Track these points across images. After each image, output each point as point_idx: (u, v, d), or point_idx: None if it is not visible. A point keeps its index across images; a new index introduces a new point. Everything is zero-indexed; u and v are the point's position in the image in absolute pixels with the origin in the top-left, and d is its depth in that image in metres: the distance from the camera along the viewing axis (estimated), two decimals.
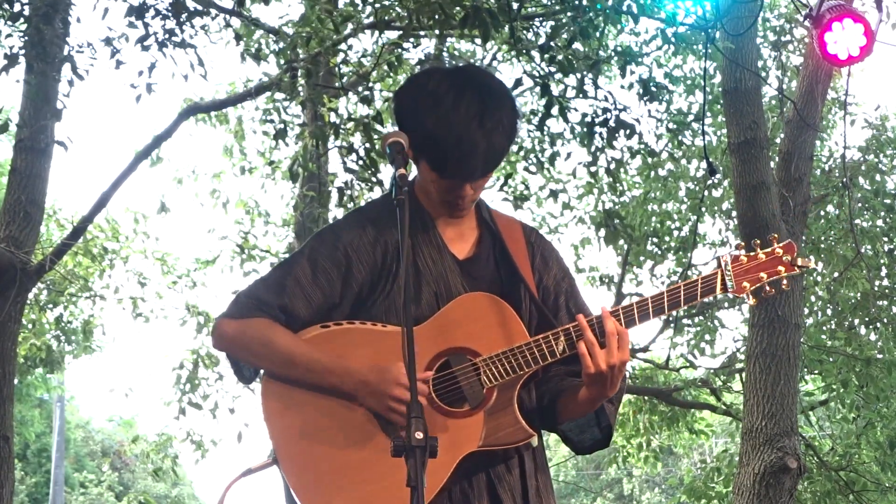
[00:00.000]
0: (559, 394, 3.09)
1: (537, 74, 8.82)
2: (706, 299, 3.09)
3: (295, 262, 3.06)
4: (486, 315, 2.98)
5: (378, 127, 8.72)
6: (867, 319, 12.65)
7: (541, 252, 3.17)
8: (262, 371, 3.08)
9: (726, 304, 13.50)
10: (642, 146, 10.03)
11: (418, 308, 2.98)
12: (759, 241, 3.04)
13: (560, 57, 8.41)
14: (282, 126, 9.63)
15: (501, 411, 2.94)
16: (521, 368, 2.94)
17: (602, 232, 11.53)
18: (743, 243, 3.06)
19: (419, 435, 2.51)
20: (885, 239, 12.91)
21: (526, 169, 11.67)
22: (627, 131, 9.21)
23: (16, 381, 9.12)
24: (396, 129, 2.99)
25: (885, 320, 12.57)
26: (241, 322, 3.01)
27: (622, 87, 9.63)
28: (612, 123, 9.09)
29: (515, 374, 2.94)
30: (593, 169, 10.47)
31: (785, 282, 3.03)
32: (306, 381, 2.96)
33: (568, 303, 3.14)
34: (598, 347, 2.90)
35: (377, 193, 11.10)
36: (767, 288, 3.02)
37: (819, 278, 13.06)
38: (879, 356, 11.94)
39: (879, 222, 13.02)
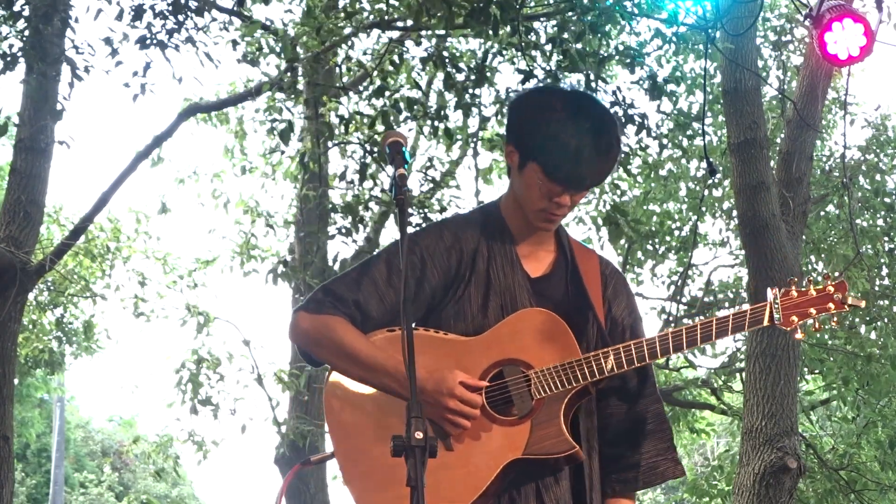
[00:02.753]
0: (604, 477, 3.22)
1: (544, 71, 8.79)
2: (756, 328, 3.17)
3: (373, 263, 3.23)
4: (542, 330, 3.12)
5: (394, 119, 8.73)
6: (867, 318, 12.64)
7: (613, 284, 3.31)
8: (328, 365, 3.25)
9: (726, 304, 13.51)
10: (653, 138, 9.98)
11: (485, 318, 3.14)
12: (811, 279, 3.14)
13: (570, 52, 8.36)
14: (286, 124, 9.63)
15: (547, 422, 3.06)
16: (570, 383, 3.06)
17: (604, 231, 11.49)
18: (795, 279, 3.15)
19: (419, 435, 2.56)
20: (886, 238, 12.91)
21: None
22: (637, 125, 9.19)
23: (16, 381, 9.12)
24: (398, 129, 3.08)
25: (886, 319, 12.56)
26: (316, 317, 3.17)
27: (627, 82, 9.62)
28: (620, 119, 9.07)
29: (564, 388, 3.07)
30: None
31: (834, 319, 3.14)
32: (366, 380, 3.14)
33: (634, 334, 3.24)
34: None
35: (377, 193, 11.11)
36: (817, 324, 3.11)
37: (819, 279, 13.00)
38: (879, 353, 11.94)
39: (880, 221, 13.02)
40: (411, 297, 2.93)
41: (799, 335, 3.10)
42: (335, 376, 3.21)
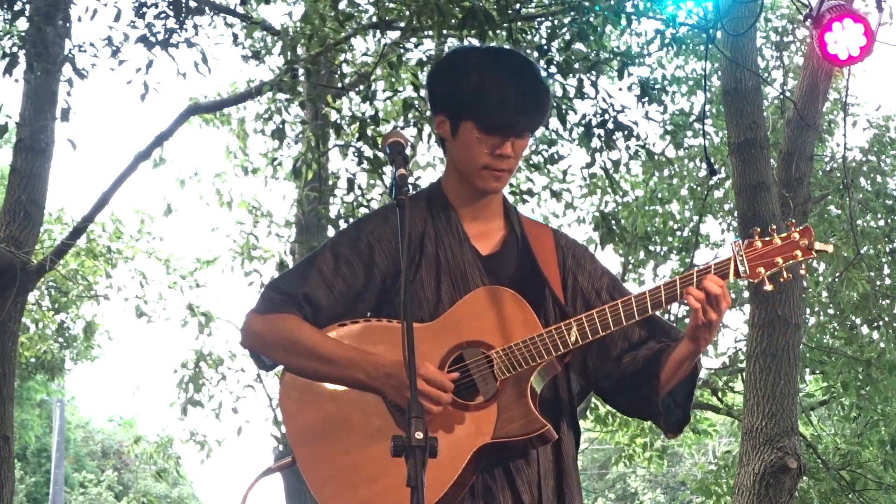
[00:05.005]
0: (656, 365, 3.08)
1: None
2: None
3: (319, 254, 3.12)
4: (499, 308, 2.99)
5: (376, 127, 8.74)
6: (868, 319, 12.65)
7: (572, 253, 3.18)
8: (282, 366, 3.12)
9: None
10: (641, 146, 10.00)
11: (439, 301, 3.03)
12: (774, 227, 2.98)
13: (560, 58, 8.40)
14: (281, 125, 9.63)
15: (514, 403, 2.94)
16: (534, 360, 2.94)
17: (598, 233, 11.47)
18: (758, 229, 3.00)
19: (419, 435, 2.52)
20: (886, 239, 12.91)
21: (533, 166, 11.54)
22: (625, 133, 9.21)
23: (16, 383, 9.12)
24: (392, 128, 3.05)
25: (887, 320, 12.57)
26: (268, 318, 3.06)
27: (621, 88, 9.60)
28: (610, 125, 9.08)
29: (528, 366, 2.95)
30: (591, 170, 10.46)
31: (803, 267, 2.98)
32: (328, 376, 3.00)
33: (613, 294, 3.12)
34: (706, 302, 2.89)
35: (378, 192, 11.12)
36: (785, 273, 2.96)
37: (820, 279, 13.07)
38: (880, 357, 11.95)
39: (880, 222, 13.02)
40: (409, 293, 2.79)
41: (768, 287, 2.94)
42: (289, 378, 3.07)
